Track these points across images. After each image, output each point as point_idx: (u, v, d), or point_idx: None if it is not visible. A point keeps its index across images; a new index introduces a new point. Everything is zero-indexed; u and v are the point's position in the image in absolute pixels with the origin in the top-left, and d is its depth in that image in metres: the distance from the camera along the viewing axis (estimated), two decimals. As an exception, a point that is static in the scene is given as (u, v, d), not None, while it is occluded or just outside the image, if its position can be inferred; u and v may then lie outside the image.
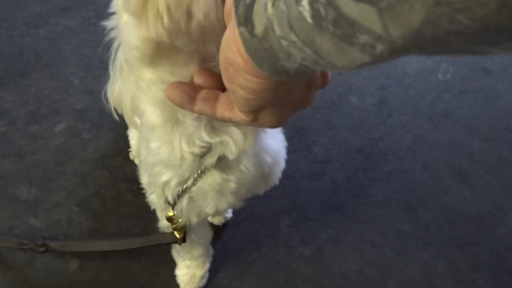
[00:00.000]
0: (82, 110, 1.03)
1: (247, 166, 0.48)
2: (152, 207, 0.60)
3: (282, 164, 0.58)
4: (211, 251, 0.81)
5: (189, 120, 0.41)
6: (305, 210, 0.94)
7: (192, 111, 0.37)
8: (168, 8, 0.31)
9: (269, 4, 0.24)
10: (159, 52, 0.36)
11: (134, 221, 0.87)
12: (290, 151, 0.61)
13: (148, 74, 0.39)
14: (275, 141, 0.53)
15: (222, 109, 0.35)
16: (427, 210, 0.96)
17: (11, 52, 1.15)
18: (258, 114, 0.34)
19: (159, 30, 0.33)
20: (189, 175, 0.48)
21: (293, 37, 0.24)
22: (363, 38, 0.20)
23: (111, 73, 0.51)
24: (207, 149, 0.43)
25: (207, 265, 0.80)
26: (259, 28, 0.26)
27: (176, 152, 0.43)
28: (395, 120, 1.08)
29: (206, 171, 0.47)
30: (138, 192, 0.91)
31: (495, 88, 1.16)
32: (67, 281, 0.79)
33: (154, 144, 0.44)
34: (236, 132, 0.42)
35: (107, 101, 0.54)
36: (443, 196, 0.98)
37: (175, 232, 0.62)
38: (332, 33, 0.21)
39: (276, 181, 0.59)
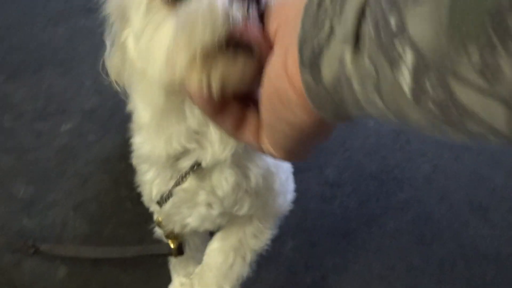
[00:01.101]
0: (90, 111, 1.01)
1: (226, 176, 0.45)
2: (149, 209, 0.58)
3: (287, 197, 0.54)
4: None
5: (173, 121, 0.40)
6: (311, 234, 0.89)
7: (215, 122, 0.34)
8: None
9: (348, 58, 0.21)
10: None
11: (130, 230, 0.83)
12: (300, 170, 0.57)
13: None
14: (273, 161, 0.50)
15: (249, 133, 0.32)
16: (442, 245, 0.90)
17: (29, 45, 1.15)
18: (290, 153, 0.31)
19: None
20: (170, 177, 0.47)
21: (377, 100, 0.20)
22: (473, 128, 0.18)
23: (108, 43, 0.48)
24: (184, 152, 0.43)
25: (203, 286, 0.75)
26: (328, 77, 0.22)
27: (155, 149, 0.43)
28: (413, 147, 1.03)
29: (188, 176, 0.45)
30: (137, 201, 0.87)
31: None
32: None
33: (138, 139, 0.45)
34: (215, 140, 0.41)
35: (106, 73, 0.51)
36: (460, 232, 0.91)
37: (170, 241, 0.58)
38: (433, 115, 0.18)
39: (281, 213, 0.56)
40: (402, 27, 0.18)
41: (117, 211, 0.86)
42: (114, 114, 0.98)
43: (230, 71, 0.30)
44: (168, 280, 0.76)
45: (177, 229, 0.53)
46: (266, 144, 0.31)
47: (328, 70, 0.22)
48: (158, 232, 0.60)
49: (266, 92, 0.28)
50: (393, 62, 0.18)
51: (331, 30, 0.22)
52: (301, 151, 0.31)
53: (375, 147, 1.02)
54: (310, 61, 0.23)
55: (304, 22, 0.23)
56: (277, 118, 0.28)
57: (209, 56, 0.30)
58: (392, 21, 0.18)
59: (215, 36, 0.29)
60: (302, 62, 0.24)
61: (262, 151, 0.32)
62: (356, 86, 0.21)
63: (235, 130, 0.33)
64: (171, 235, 0.57)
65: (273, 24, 0.28)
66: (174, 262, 0.71)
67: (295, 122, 0.27)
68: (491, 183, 0.97)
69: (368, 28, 0.20)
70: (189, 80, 0.31)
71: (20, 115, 0.99)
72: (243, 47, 0.29)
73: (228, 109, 0.32)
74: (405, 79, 0.18)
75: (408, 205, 0.94)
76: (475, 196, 0.95)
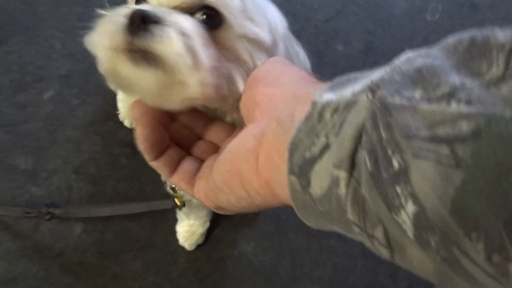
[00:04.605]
0: (67, 76, 1.02)
1: None
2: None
3: None
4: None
5: None
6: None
7: (149, 161, 0.34)
8: None
9: (342, 183, 0.19)
10: None
11: (130, 184, 0.91)
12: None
13: None
14: None
15: (180, 179, 0.33)
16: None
17: (-15, 17, 1.11)
18: (220, 209, 0.30)
19: None
20: None
21: (377, 233, 0.18)
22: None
23: None
24: None
25: (208, 224, 0.85)
26: (317, 191, 0.21)
27: None
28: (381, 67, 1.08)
29: None
30: (132, 156, 0.94)
31: (482, 25, 1.14)
32: (73, 244, 0.85)
33: None
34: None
35: None
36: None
37: (176, 200, 0.64)
38: (437, 261, 0.16)
39: None
40: (405, 175, 0.16)
41: (114, 169, 0.93)
42: (90, 76, 1.00)
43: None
44: (173, 222, 0.86)
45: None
46: (200, 191, 0.31)
47: (318, 185, 0.20)
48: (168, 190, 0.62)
49: (229, 166, 0.27)
50: (392, 207, 0.16)
51: (327, 145, 0.20)
52: (231, 211, 0.30)
53: (345, 72, 1.06)
54: (300, 170, 0.21)
55: (299, 128, 0.22)
56: (229, 189, 0.27)
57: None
58: (395, 163, 0.16)
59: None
60: (290, 169, 0.22)
61: (193, 195, 0.32)
62: (350, 213, 0.19)
63: (170, 173, 0.33)
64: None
65: (253, 96, 0.28)
66: (184, 210, 0.77)
67: (246, 199, 0.26)
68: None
69: (364, 158, 0.18)
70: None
71: (-1, 90, 1.01)
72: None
73: (167, 152, 0.34)
74: (407, 225, 0.16)
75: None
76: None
